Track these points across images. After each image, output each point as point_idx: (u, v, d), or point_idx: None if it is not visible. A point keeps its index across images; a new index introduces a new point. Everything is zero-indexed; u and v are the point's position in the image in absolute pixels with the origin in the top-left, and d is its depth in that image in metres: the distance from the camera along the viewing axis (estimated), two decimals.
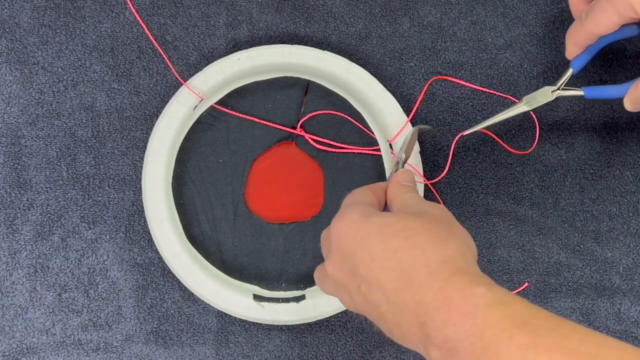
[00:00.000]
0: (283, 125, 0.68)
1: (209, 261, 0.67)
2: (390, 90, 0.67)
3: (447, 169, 0.67)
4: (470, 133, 0.66)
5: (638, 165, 0.69)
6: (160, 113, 0.67)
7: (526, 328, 0.41)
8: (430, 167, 0.68)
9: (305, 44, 0.68)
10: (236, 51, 0.67)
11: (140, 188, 0.67)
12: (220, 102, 0.68)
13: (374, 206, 0.54)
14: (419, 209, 0.51)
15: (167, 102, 0.67)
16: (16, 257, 0.67)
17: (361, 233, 0.49)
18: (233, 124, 0.68)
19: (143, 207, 0.67)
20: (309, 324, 0.68)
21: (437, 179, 0.68)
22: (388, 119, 0.67)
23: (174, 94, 0.67)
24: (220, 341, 0.68)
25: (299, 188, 0.68)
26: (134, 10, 0.68)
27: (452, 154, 0.68)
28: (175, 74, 0.68)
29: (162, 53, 0.68)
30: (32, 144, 0.68)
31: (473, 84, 0.69)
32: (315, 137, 0.68)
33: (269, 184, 0.68)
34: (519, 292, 0.68)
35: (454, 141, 0.67)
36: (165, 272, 0.68)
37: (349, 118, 0.68)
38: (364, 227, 0.49)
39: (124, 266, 0.68)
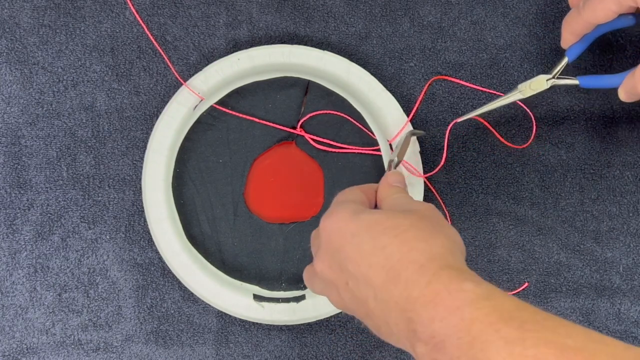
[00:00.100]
0: (283, 125, 0.68)
1: (209, 261, 0.67)
2: (390, 90, 0.67)
3: (443, 159, 0.67)
4: (464, 120, 0.66)
5: (638, 165, 0.69)
6: (160, 113, 0.67)
7: (513, 322, 0.41)
8: (430, 167, 0.68)
9: (305, 44, 0.68)
10: (236, 51, 0.67)
11: (140, 188, 0.67)
12: (220, 102, 0.68)
13: (364, 205, 0.54)
14: (408, 208, 0.51)
15: (167, 102, 0.67)
16: (16, 257, 0.67)
17: (351, 229, 0.49)
18: (233, 124, 0.68)
19: (143, 207, 0.67)
20: (309, 324, 0.68)
21: (434, 171, 0.68)
22: (388, 119, 0.67)
23: (174, 94, 0.67)
24: (220, 341, 0.68)
25: (299, 188, 0.68)
26: (134, 10, 0.68)
27: (447, 142, 0.67)
28: (175, 74, 0.68)
29: (162, 53, 0.68)
30: (32, 144, 0.68)
31: (473, 84, 0.69)
32: (315, 137, 0.68)
33: (269, 184, 0.68)
34: (518, 292, 0.68)
35: (448, 128, 0.67)
36: (165, 272, 0.68)
37: (349, 118, 0.68)
38: (354, 224, 0.49)
39: (124, 266, 0.68)
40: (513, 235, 0.69)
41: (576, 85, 0.64)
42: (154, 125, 0.67)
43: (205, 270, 0.67)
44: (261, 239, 0.67)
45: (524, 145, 0.68)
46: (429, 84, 0.69)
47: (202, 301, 0.67)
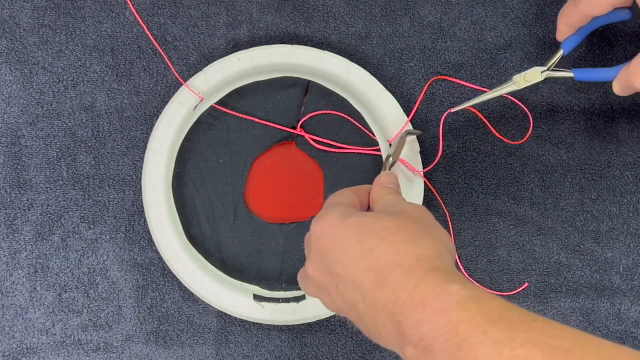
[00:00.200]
0: (283, 125, 0.68)
1: (209, 261, 0.67)
2: (390, 90, 0.67)
3: (440, 150, 0.67)
4: (460, 113, 0.66)
5: (638, 165, 0.69)
6: (160, 113, 0.67)
7: (500, 324, 0.41)
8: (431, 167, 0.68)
9: (305, 44, 0.68)
10: (236, 51, 0.67)
11: (140, 188, 0.67)
12: (220, 102, 0.68)
13: (355, 207, 0.54)
14: (398, 209, 0.51)
15: (167, 102, 0.67)
16: (16, 257, 0.67)
17: (339, 233, 0.49)
18: (233, 124, 0.68)
19: (143, 207, 0.67)
20: (309, 324, 0.68)
21: (431, 165, 0.68)
22: (388, 119, 0.67)
23: (174, 94, 0.67)
24: (220, 341, 0.68)
25: (299, 188, 0.68)
26: (134, 10, 0.68)
27: (442, 132, 0.67)
28: (175, 74, 0.68)
29: (162, 53, 0.68)
30: (32, 144, 0.68)
31: (473, 84, 0.69)
32: (315, 137, 0.68)
33: (269, 184, 0.68)
34: (518, 292, 0.68)
35: (442, 118, 0.67)
36: (165, 272, 0.68)
37: (349, 118, 0.68)
38: (342, 227, 0.49)
39: (124, 266, 0.68)
40: (513, 235, 0.69)
41: (571, 78, 0.64)
42: (154, 125, 0.67)
43: (205, 270, 0.67)
44: (261, 239, 0.67)
45: (521, 141, 0.68)
46: (429, 84, 0.69)
47: (202, 301, 0.67)
